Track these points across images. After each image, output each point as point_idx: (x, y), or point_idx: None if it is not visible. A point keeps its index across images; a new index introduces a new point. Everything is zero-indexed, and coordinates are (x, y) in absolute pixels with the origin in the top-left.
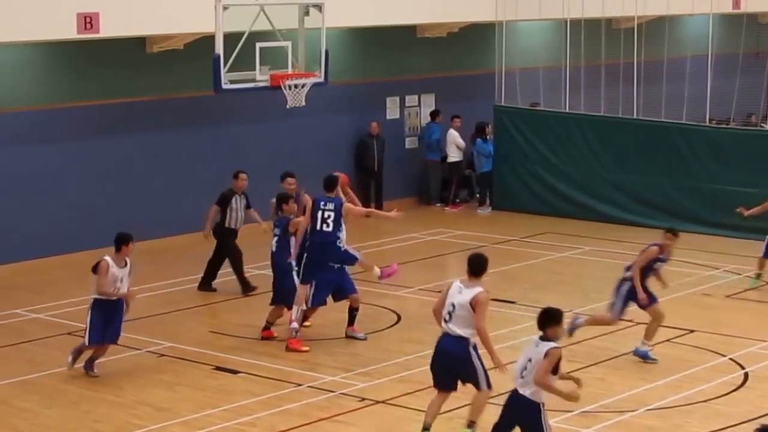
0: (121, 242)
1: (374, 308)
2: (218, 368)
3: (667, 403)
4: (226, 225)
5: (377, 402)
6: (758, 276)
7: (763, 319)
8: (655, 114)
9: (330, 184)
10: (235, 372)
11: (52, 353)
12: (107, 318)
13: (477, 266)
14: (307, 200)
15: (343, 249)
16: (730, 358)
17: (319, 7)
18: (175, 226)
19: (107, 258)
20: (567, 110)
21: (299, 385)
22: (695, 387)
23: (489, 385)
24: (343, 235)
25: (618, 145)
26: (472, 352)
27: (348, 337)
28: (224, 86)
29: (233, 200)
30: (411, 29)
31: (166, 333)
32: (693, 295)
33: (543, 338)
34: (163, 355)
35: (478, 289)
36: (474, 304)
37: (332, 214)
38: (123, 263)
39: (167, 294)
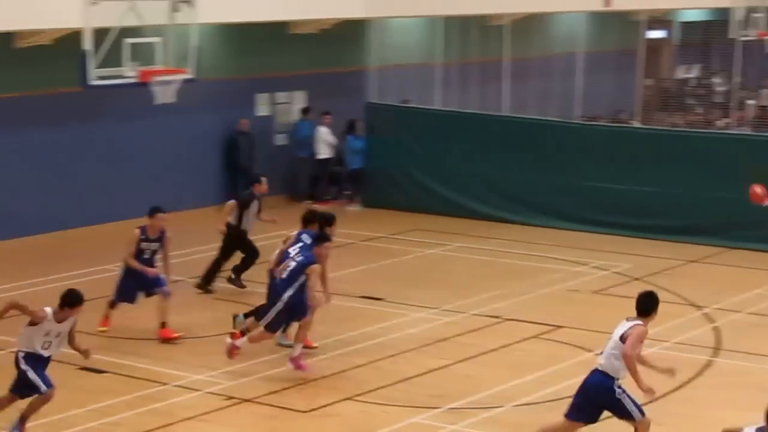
0: (72, 303)
1: (238, 306)
2: (84, 368)
3: (535, 398)
4: (242, 227)
5: (243, 400)
6: None
7: (630, 315)
8: (526, 111)
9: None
10: (100, 372)
11: None
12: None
13: (643, 305)
14: (169, 240)
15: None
16: (597, 354)
17: (189, 3)
18: (42, 225)
19: (47, 309)
20: (438, 107)
21: (165, 384)
22: (563, 382)
23: (642, 413)
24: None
25: (488, 142)
26: (616, 389)
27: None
28: (92, 82)
29: (252, 204)
30: (283, 26)
31: None
32: (560, 291)
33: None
34: None
35: (635, 322)
36: (626, 336)
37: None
38: (64, 320)
39: (29, 294)
